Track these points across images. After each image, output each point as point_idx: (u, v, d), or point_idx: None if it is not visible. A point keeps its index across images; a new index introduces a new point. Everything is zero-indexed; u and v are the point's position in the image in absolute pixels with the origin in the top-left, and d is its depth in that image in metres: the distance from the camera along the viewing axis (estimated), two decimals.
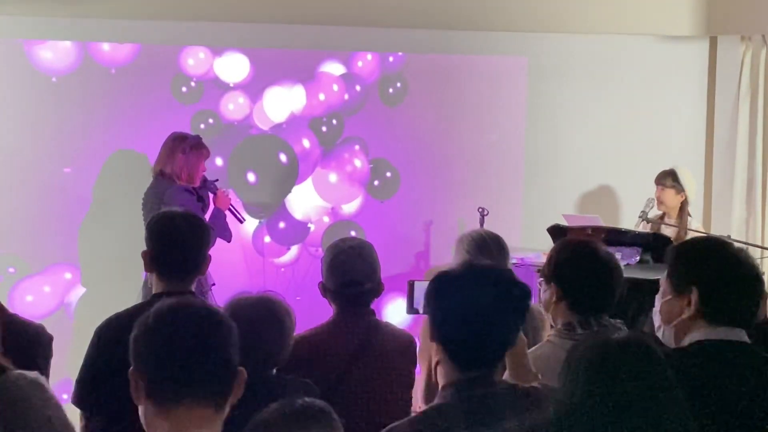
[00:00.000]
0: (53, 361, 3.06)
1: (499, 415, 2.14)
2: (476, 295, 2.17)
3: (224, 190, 5.40)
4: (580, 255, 2.88)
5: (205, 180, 5.26)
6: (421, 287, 3.14)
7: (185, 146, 5.14)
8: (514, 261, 4.54)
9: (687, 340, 2.44)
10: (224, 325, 1.87)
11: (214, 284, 5.11)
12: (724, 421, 2.29)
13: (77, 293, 6.03)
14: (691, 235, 5.69)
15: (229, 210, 5.36)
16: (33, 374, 2.39)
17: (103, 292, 5.77)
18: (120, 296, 4.61)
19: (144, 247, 3.05)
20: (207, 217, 5.13)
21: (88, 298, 5.96)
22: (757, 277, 2.47)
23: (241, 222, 5.63)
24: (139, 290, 4.96)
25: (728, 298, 2.42)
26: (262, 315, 2.77)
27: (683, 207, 5.84)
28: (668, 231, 5.76)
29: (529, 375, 2.42)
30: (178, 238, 3.00)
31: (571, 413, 1.93)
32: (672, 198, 5.83)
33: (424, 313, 2.74)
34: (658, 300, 2.57)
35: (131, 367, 1.83)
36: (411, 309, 3.26)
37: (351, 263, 3.18)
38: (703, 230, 5.89)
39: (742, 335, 2.43)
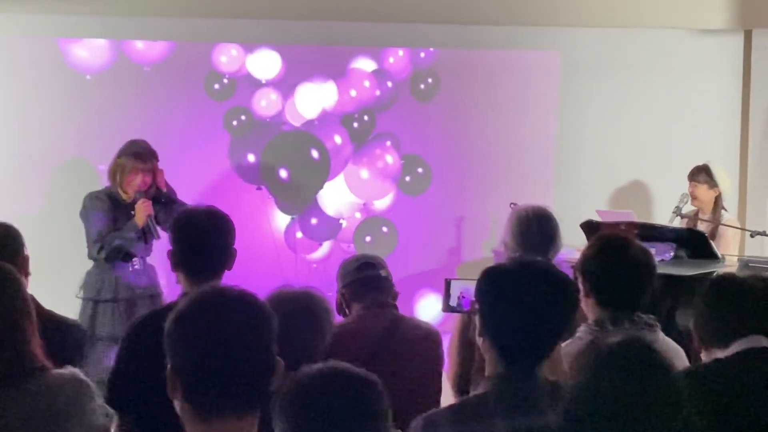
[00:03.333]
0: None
1: (540, 409, 2.15)
2: (526, 290, 2.19)
3: (147, 203, 4.92)
4: (607, 250, 2.88)
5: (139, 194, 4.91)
6: (457, 285, 3.15)
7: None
8: None
9: None
10: (266, 313, 1.79)
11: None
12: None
13: None
14: (724, 230, 5.64)
15: (149, 221, 4.91)
16: (70, 370, 2.42)
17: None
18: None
19: None
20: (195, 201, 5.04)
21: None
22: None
23: (156, 237, 4.99)
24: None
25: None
26: (302, 310, 2.77)
27: (717, 202, 5.79)
28: (703, 226, 5.71)
29: (562, 371, 2.42)
30: (202, 235, 2.97)
31: (573, 411, 1.94)
32: (705, 193, 5.78)
33: (468, 308, 2.73)
34: None
35: (168, 366, 1.76)
36: (447, 307, 3.27)
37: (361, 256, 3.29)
38: (738, 225, 5.83)
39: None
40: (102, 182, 6.02)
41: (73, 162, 6.08)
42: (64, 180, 6.08)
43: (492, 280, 2.25)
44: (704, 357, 2.62)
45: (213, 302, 1.77)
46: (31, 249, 3.16)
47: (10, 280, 2.43)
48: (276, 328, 1.80)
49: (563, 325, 2.26)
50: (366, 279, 3.24)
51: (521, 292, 2.19)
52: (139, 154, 4.90)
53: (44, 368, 2.38)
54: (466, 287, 3.10)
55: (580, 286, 2.84)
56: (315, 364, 1.89)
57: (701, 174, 5.78)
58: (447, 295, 3.26)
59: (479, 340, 2.26)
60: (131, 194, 4.91)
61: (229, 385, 1.72)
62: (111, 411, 2.51)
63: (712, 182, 5.76)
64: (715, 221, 5.70)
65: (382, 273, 3.27)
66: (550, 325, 2.21)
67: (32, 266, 3.12)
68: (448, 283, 3.23)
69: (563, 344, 2.77)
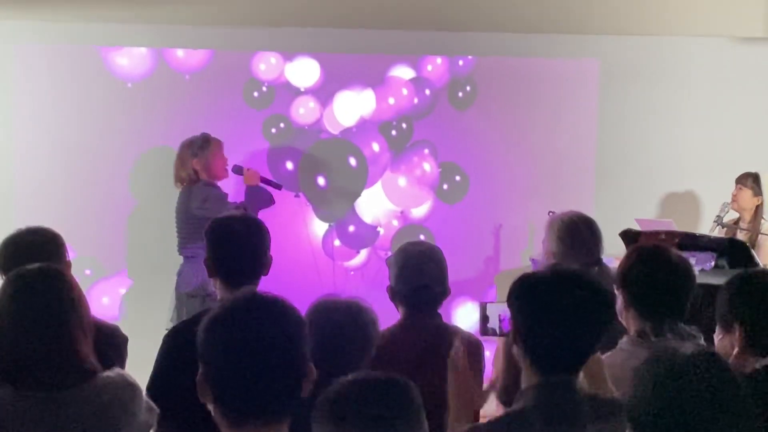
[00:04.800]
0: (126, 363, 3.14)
1: (579, 423, 2.12)
2: (560, 299, 2.16)
3: (250, 168, 5.53)
4: (647, 260, 2.84)
5: (233, 168, 5.47)
6: (494, 308, 3.12)
7: (194, 149, 5.34)
8: None
9: None
10: (298, 320, 1.78)
11: None
12: None
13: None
14: (764, 240, 5.58)
15: (262, 182, 5.51)
16: (117, 374, 2.45)
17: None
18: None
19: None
20: (243, 196, 5.39)
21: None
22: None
23: (279, 188, 5.69)
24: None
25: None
26: (350, 321, 2.75)
27: (758, 211, 5.75)
28: (741, 236, 5.65)
29: (604, 384, 2.40)
30: (237, 242, 2.99)
31: (640, 427, 1.87)
32: (748, 199, 5.74)
33: (507, 330, 2.70)
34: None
35: (199, 371, 1.76)
36: (485, 330, 3.24)
37: (421, 267, 3.19)
38: None
39: None
40: (135, 191, 6.10)
41: (115, 170, 6.14)
42: (106, 187, 6.13)
43: (526, 288, 2.23)
44: (738, 360, 2.56)
45: (245, 308, 1.77)
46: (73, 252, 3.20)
47: (61, 283, 2.45)
48: (307, 335, 1.79)
49: (599, 334, 2.22)
50: (418, 298, 3.21)
51: (555, 300, 2.17)
52: (207, 142, 5.37)
53: (95, 371, 2.40)
54: (503, 309, 3.07)
55: (620, 297, 2.82)
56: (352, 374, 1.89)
57: (748, 179, 5.76)
58: (484, 318, 3.24)
59: (515, 350, 2.24)
60: (222, 175, 5.42)
61: (258, 391, 1.71)
62: (154, 406, 2.53)
63: (757, 190, 5.74)
64: (754, 229, 5.65)
65: (437, 290, 3.22)
66: (586, 334, 2.18)
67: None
68: (483, 308, 3.21)
69: (604, 356, 2.75)
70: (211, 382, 1.73)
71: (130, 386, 2.44)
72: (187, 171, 5.34)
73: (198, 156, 5.33)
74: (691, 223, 6.41)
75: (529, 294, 2.22)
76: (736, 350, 2.51)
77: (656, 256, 2.85)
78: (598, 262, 3.48)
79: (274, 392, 1.73)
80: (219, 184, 5.46)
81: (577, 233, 3.49)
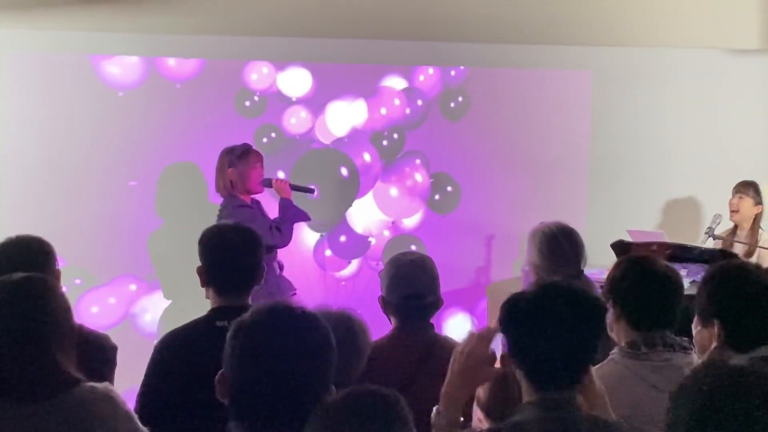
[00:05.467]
0: (117, 371, 3.11)
1: None
2: (549, 314, 2.16)
3: (278, 178, 5.37)
4: (634, 271, 2.85)
5: (263, 181, 5.18)
6: None
7: (232, 158, 5.06)
8: None
9: None
10: (331, 344, 1.80)
11: (295, 292, 5.16)
12: None
13: (142, 305, 6.10)
14: (764, 251, 5.57)
15: (294, 190, 5.27)
16: (104, 386, 2.42)
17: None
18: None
19: None
20: (277, 212, 5.15)
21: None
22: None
23: (312, 192, 5.44)
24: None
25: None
26: (342, 332, 2.74)
27: (756, 220, 5.75)
28: (740, 248, 5.65)
29: (605, 408, 2.38)
30: (230, 251, 3.00)
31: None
32: (749, 208, 5.73)
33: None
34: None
35: (220, 372, 1.80)
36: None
37: (413, 276, 3.17)
38: None
39: None
40: (131, 198, 6.08)
41: (105, 178, 6.12)
42: (96, 195, 6.11)
43: (514, 308, 2.23)
44: (716, 356, 2.55)
45: (273, 319, 1.79)
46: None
47: (42, 292, 2.43)
48: (334, 360, 1.81)
49: (593, 344, 2.22)
50: (410, 307, 3.20)
51: (544, 315, 2.16)
52: (247, 153, 5.08)
53: (77, 382, 2.37)
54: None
55: (610, 309, 2.82)
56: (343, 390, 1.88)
57: (749, 188, 5.75)
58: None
59: (513, 368, 2.24)
60: (257, 190, 5.11)
61: (272, 403, 1.73)
62: (138, 425, 2.50)
63: (758, 198, 5.73)
64: (752, 240, 5.64)
65: (430, 300, 3.21)
66: (579, 345, 2.18)
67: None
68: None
69: (595, 367, 2.74)
70: (230, 384, 1.78)
71: (112, 399, 2.41)
72: (224, 180, 5.06)
73: (236, 166, 5.03)
74: (684, 234, 6.40)
75: (517, 313, 2.22)
76: (714, 345, 2.51)
77: (643, 267, 2.86)
78: (579, 274, 3.47)
79: (293, 410, 1.74)
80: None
81: (557, 245, 3.51)
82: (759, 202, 5.74)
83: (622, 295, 2.82)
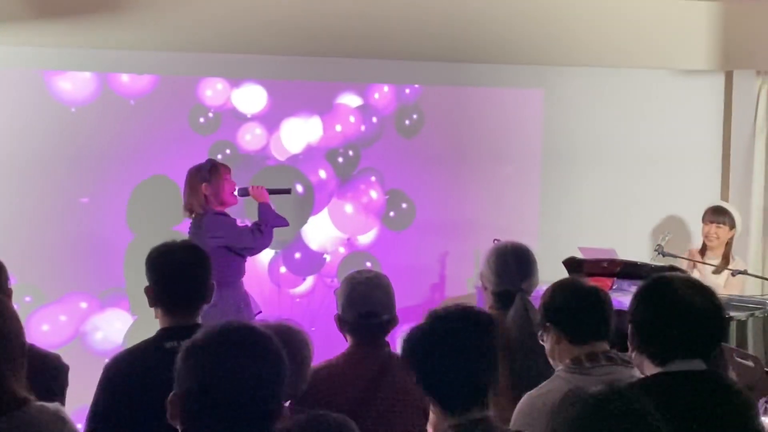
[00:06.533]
0: (68, 390, 3.08)
1: None
2: (444, 340, 2.26)
3: (254, 185, 5.44)
4: (561, 290, 2.97)
5: (239, 191, 5.32)
6: None
7: (203, 174, 5.17)
8: None
9: None
10: (282, 360, 1.80)
11: (260, 312, 5.23)
12: None
13: (93, 322, 6.03)
14: (740, 278, 5.63)
15: (271, 194, 5.41)
16: (54, 406, 2.38)
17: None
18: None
19: None
20: (256, 217, 5.29)
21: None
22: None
23: (289, 192, 5.66)
24: None
25: None
26: (281, 344, 2.75)
27: (729, 242, 5.84)
28: (704, 267, 5.74)
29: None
30: (178, 270, 2.96)
31: None
32: (727, 234, 5.81)
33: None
34: None
35: (172, 393, 1.78)
36: None
37: (369, 295, 3.18)
38: (742, 264, 5.82)
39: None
40: (82, 215, 6.01)
41: (56, 194, 6.05)
42: (47, 212, 6.04)
43: (412, 343, 2.32)
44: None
45: (224, 338, 1.78)
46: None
47: None
48: (285, 376, 1.81)
49: (487, 362, 2.29)
50: (366, 325, 3.20)
51: (440, 344, 2.26)
52: (216, 167, 5.22)
53: (25, 401, 2.34)
54: None
55: (549, 334, 2.93)
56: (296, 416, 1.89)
57: (725, 216, 5.80)
58: None
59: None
60: (231, 201, 5.24)
61: (225, 423, 1.72)
62: None
63: (732, 222, 5.81)
64: (723, 267, 5.70)
65: (385, 318, 3.21)
66: (478, 365, 2.26)
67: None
68: None
69: (541, 384, 2.80)
70: (181, 405, 1.75)
71: (61, 420, 2.37)
72: (198, 199, 5.13)
73: (208, 181, 5.14)
74: (635, 250, 6.49)
75: (415, 346, 2.31)
76: (632, 351, 2.56)
77: (570, 285, 3.00)
78: (520, 291, 3.54)
79: (242, 427, 1.72)
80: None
81: (504, 263, 3.59)
82: (734, 225, 5.82)
83: (557, 315, 2.92)
